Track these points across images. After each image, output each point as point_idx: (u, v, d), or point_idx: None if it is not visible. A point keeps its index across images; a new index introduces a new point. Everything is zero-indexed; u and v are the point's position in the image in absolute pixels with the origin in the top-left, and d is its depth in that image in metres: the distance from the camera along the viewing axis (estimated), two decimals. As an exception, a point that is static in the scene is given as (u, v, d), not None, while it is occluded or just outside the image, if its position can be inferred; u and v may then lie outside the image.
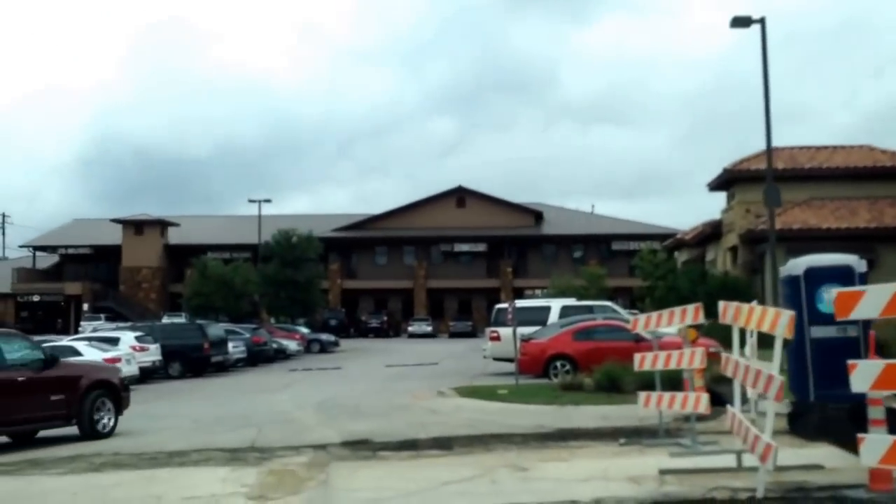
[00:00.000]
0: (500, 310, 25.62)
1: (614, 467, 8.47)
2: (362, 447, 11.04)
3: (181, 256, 65.91)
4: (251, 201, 57.16)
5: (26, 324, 60.01)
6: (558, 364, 20.06)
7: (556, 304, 25.88)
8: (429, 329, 59.16)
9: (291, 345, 39.52)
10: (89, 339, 26.15)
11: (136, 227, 67.28)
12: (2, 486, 9.13)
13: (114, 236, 67.32)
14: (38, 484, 9.14)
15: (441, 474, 8.56)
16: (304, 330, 46.28)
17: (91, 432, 13.24)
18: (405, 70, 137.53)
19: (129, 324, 39.37)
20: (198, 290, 51.72)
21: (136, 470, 9.76)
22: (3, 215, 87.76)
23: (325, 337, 45.51)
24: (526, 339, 20.72)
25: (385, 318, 61.87)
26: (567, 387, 17.71)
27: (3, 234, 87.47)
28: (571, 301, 27.64)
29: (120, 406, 14.01)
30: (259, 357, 34.32)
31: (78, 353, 21.75)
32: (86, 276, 66.85)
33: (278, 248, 53.43)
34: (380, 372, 27.67)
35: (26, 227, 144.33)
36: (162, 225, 68.16)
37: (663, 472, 8.00)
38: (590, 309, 25.63)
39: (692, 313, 9.55)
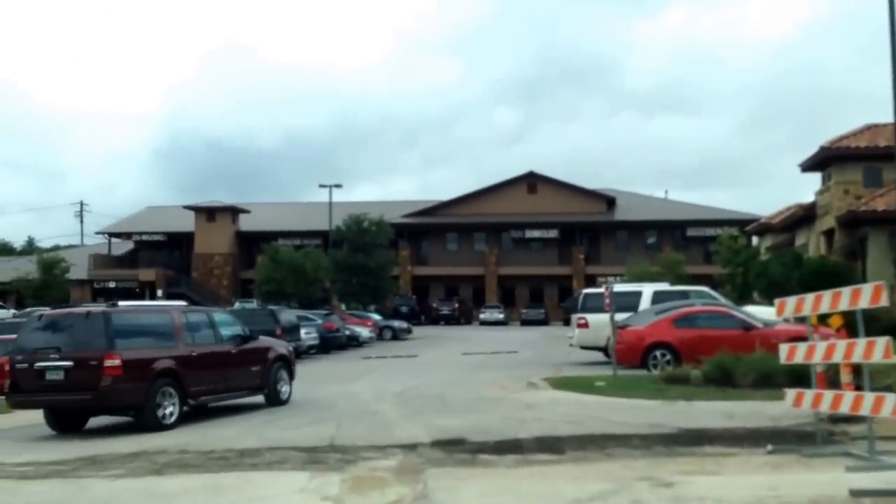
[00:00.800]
0: (588, 295, 23.89)
1: (785, 485, 6.78)
2: (457, 448, 9.58)
3: (252, 243, 65.68)
4: (322, 186, 56.46)
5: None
6: (658, 354, 18.36)
7: (647, 290, 24.00)
8: (500, 316, 57.70)
9: (364, 332, 38.33)
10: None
11: (208, 213, 67.28)
12: (50, 492, 7.91)
13: (186, 223, 67.48)
14: (91, 489, 7.87)
15: (564, 488, 7.00)
16: (377, 317, 45.13)
17: (276, 400, 14.72)
18: (470, 60, 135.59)
19: (200, 309, 38.79)
20: (269, 277, 51.07)
21: (201, 473, 8.44)
22: (82, 204, 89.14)
23: (397, 324, 44.23)
24: (621, 327, 19.01)
25: (456, 306, 60.47)
26: (670, 379, 16.08)
27: (82, 221, 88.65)
28: (664, 286, 25.71)
29: (292, 377, 15.45)
30: (331, 344, 33.22)
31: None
32: (159, 262, 67.16)
33: (349, 234, 52.63)
34: (457, 360, 26.39)
35: (103, 215, 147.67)
36: (233, 212, 68.04)
37: (855, 493, 6.30)
38: (685, 294, 23.71)
39: (869, 294, 7.70)
